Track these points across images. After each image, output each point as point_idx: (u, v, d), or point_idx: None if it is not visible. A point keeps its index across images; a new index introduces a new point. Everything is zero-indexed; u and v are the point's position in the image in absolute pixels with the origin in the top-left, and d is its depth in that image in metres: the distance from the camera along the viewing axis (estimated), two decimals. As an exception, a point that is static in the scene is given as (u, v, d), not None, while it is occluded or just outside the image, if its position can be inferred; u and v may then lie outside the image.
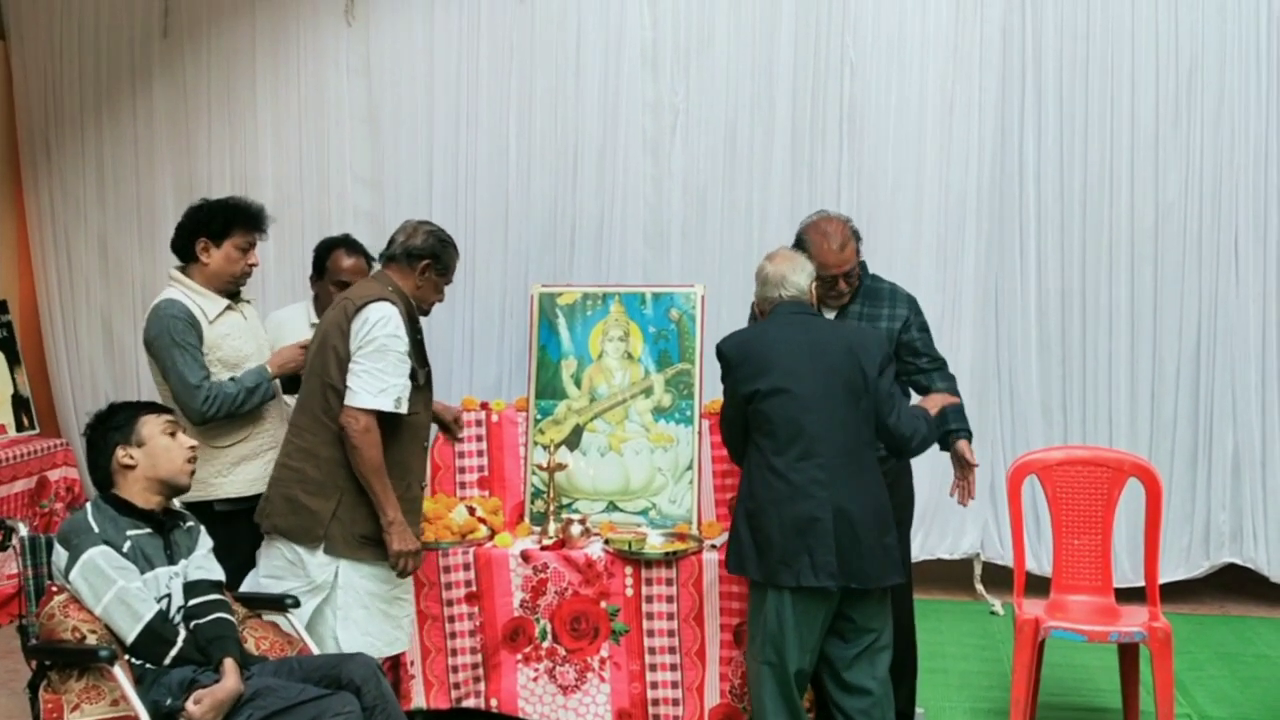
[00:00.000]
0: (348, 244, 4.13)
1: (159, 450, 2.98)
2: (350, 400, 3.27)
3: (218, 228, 3.64)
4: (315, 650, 3.19)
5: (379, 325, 3.30)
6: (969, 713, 4.08)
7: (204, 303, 3.62)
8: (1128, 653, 3.83)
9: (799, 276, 3.40)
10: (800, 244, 3.71)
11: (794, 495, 3.20)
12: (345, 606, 3.36)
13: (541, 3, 5.50)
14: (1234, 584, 5.32)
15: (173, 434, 3.03)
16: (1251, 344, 5.11)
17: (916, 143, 5.30)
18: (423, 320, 3.59)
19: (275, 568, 3.38)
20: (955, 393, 3.72)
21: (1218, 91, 5.10)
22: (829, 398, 3.24)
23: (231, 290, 3.71)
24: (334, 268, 4.06)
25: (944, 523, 5.35)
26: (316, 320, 3.90)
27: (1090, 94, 5.18)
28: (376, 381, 3.28)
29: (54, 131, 6.00)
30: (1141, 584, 3.92)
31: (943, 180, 5.29)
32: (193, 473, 3.05)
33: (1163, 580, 4.97)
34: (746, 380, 3.28)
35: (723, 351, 3.38)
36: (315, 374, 3.40)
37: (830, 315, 3.72)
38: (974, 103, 5.25)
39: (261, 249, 5.64)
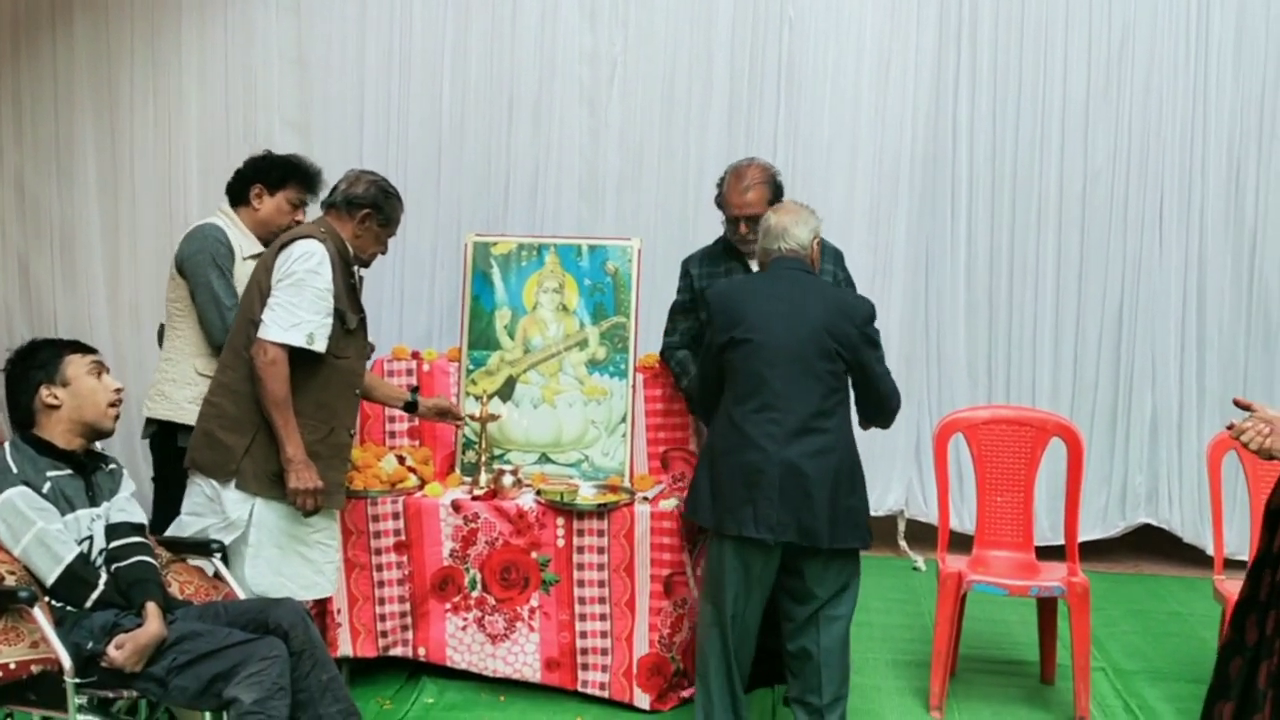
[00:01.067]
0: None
1: (85, 391, 2.89)
2: (261, 332, 3.23)
3: (276, 178, 3.76)
4: (240, 595, 3.14)
5: (300, 260, 3.26)
6: (891, 664, 4.16)
7: (243, 240, 3.74)
8: (1046, 607, 3.92)
9: (800, 230, 3.31)
10: (720, 186, 3.74)
11: (745, 445, 3.16)
12: (258, 544, 3.33)
13: (479, -54, 5.41)
14: (1148, 544, 5.47)
15: (99, 374, 2.94)
16: (1172, 310, 5.24)
17: (853, 101, 5.32)
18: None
19: (195, 504, 3.35)
20: None
21: (1148, 60, 5.19)
22: (799, 356, 3.17)
23: (265, 242, 3.72)
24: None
25: (869, 480, 5.39)
26: None
27: (1024, 58, 5.24)
28: (289, 316, 3.23)
29: (-33, 63, 5.77)
30: (1060, 543, 4.02)
31: (877, 140, 5.33)
32: (117, 416, 2.96)
33: (1080, 539, 5.12)
34: (723, 329, 3.24)
35: (708, 297, 3.35)
36: (242, 310, 3.37)
37: (754, 265, 3.73)
38: (910, 63, 5.29)
39: (183, 193, 5.63)
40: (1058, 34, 5.22)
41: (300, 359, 3.27)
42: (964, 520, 5.11)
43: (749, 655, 3.34)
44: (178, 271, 3.73)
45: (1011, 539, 4.02)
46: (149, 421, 3.79)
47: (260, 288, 3.30)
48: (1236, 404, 2.49)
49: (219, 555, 3.21)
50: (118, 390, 2.97)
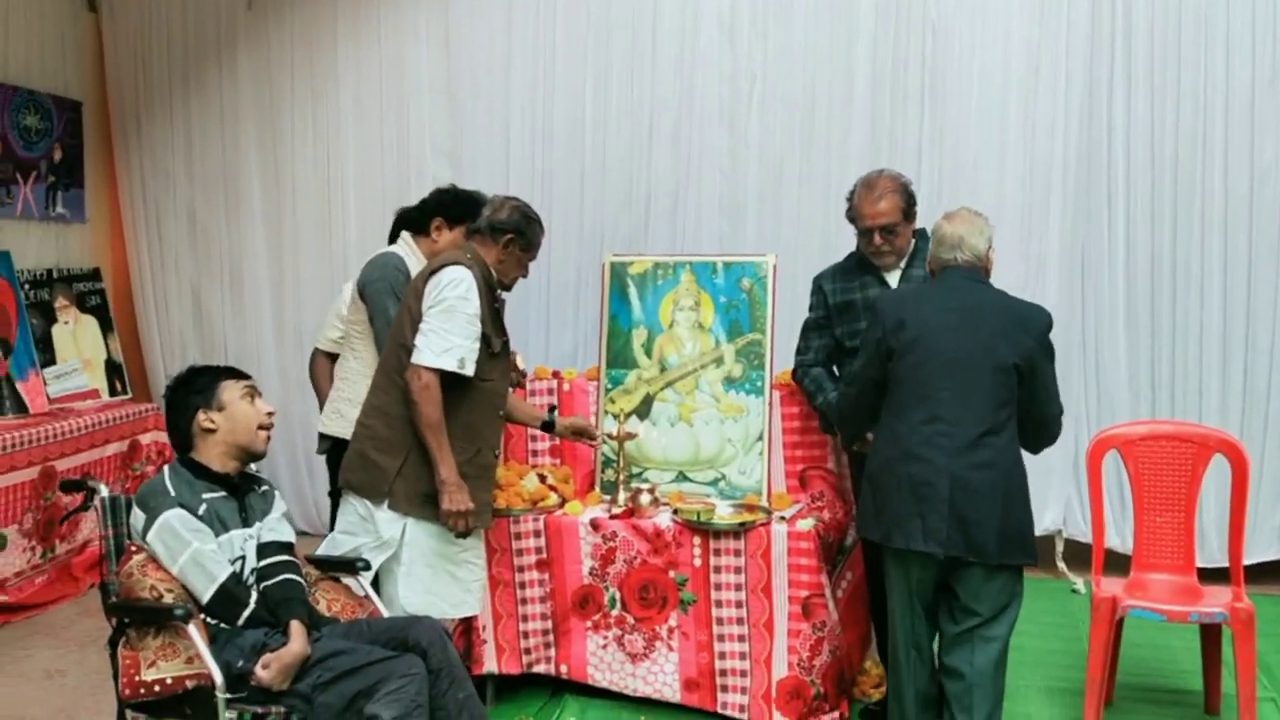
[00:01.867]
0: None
1: (239, 415, 3.04)
2: (415, 358, 3.31)
3: (456, 213, 3.89)
4: (385, 613, 3.24)
5: (449, 286, 3.35)
6: (1045, 691, 4.01)
7: (420, 269, 3.83)
8: (1210, 634, 3.72)
9: (977, 240, 3.22)
10: (850, 199, 3.68)
11: (912, 457, 3.09)
12: (410, 563, 3.42)
13: (619, -29, 5.48)
14: (1327, 564, 5.14)
15: (252, 399, 3.09)
16: (1351, 315, 4.91)
17: (1000, 109, 5.17)
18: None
19: (349, 523, 3.47)
20: None
21: (1318, 52, 4.89)
22: (971, 368, 3.08)
23: None
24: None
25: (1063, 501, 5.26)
26: None
27: (1183, 56, 5.00)
28: (441, 341, 3.31)
29: (144, 104, 6.15)
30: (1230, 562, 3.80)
31: (1027, 148, 5.16)
32: (268, 439, 3.11)
33: (1254, 560, 4.87)
34: (891, 335, 3.16)
35: (877, 305, 3.27)
36: (393, 335, 3.49)
37: (890, 278, 3.66)
38: (1060, 68, 5.10)
39: (342, 220, 5.87)
40: (1219, 25, 4.96)
41: (449, 383, 3.36)
42: (1126, 540, 4.89)
43: (926, 669, 3.27)
44: (359, 296, 3.91)
45: (1172, 561, 3.82)
46: (323, 437, 3.98)
47: (411, 313, 3.41)
48: None
49: (365, 573, 3.32)
50: (270, 414, 3.12)
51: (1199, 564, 3.89)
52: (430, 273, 3.42)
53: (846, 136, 5.33)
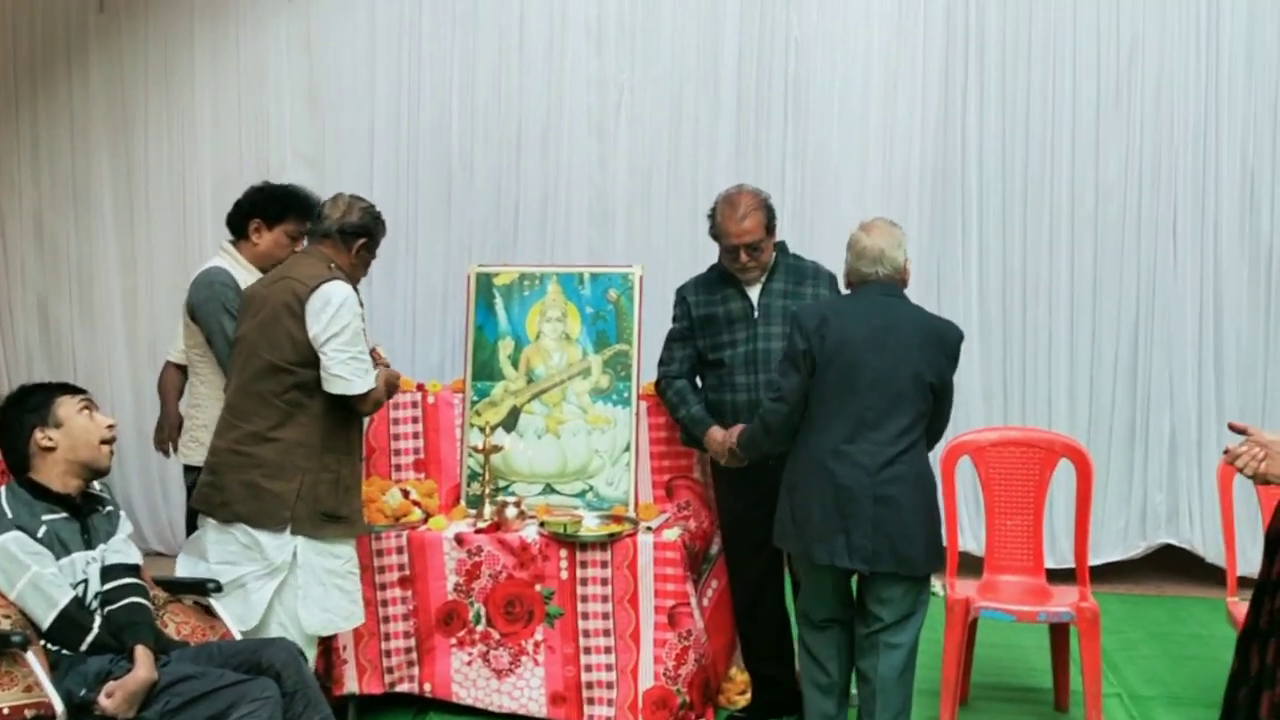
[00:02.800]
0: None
1: (78, 430, 2.92)
2: (347, 389, 3.30)
3: (274, 212, 3.75)
4: (237, 635, 3.15)
5: (345, 309, 3.29)
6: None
7: (246, 277, 3.71)
8: (1059, 632, 3.86)
9: (895, 253, 3.27)
10: (712, 217, 3.72)
11: (835, 472, 3.14)
12: (305, 585, 3.33)
13: (484, -24, 5.45)
14: (1171, 564, 5.38)
15: (90, 413, 2.97)
16: (1189, 326, 5.16)
17: (860, 121, 5.30)
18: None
19: (229, 553, 3.32)
20: None
21: (1157, 73, 5.14)
22: (891, 384, 3.15)
23: (265, 273, 3.72)
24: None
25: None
26: None
27: (1032, 74, 5.20)
28: (361, 364, 3.33)
29: (-14, 107, 5.88)
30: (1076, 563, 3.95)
31: (886, 159, 5.30)
32: (111, 453, 2.99)
33: (1101, 561, 5.07)
34: (815, 349, 3.18)
35: (799, 319, 3.27)
36: (257, 354, 3.33)
37: (754, 293, 3.71)
38: (917, 82, 5.26)
39: (198, 229, 5.69)
40: (1066, 47, 5.17)
41: (334, 397, 3.33)
42: (980, 544, 5.04)
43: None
44: (190, 319, 3.75)
45: (1022, 563, 3.96)
46: (188, 469, 3.77)
47: (291, 336, 3.29)
48: (1231, 428, 2.44)
49: (215, 594, 3.22)
50: (110, 426, 2.99)
51: (1048, 565, 4.05)
52: (309, 291, 3.29)
53: (713, 147, 5.39)
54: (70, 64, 5.78)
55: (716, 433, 3.71)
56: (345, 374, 3.29)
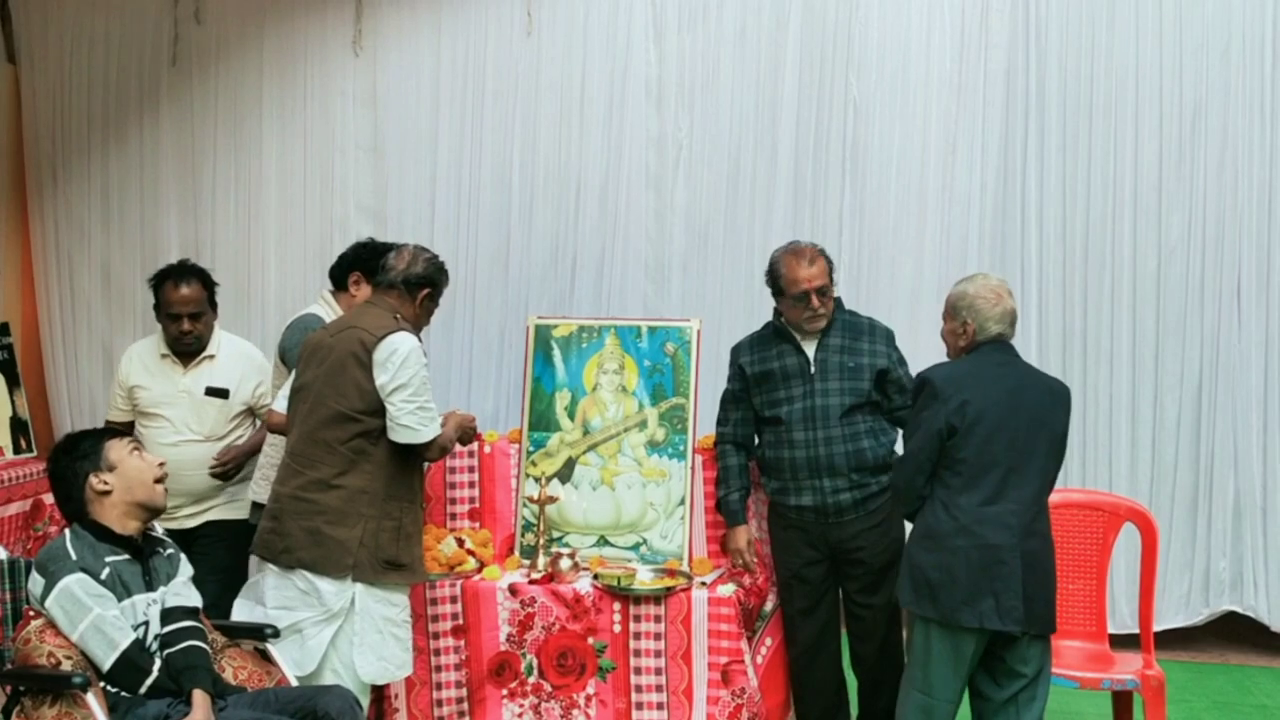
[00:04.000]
0: (178, 273, 4.12)
1: (131, 471, 2.96)
2: (414, 439, 3.36)
3: (375, 266, 3.76)
4: (293, 681, 3.15)
5: (413, 359, 3.36)
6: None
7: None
8: (1122, 700, 3.77)
9: (1015, 312, 3.32)
10: (769, 272, 3.73)
11: (980, 534, 3.13)
12: (361, 632, 3.34)
13: (548, 36, 5.54)
14: (1234, 632, 5.24)
15: (140, 454, 3.02)
16: (1253, 388, 5.07)
17: (918, 182, 5.29)
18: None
19: (287, 598, 3.35)
20: None
21: (1221, 134, 5.09)
22: (1028, 447, 3.18)
23: None
24: (164, 301, 4.08)
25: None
26: (167, 352, 4.14)
27: (1094, 135, 5.17)
28: (427, 413, 3.40)
29: (61, 157, 6.04)
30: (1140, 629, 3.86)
31: (944, 220, 5.28)
32: (165, 491, 3.03)
33: (1162, 627, 4.95)
34: (954, 415, 3.15)
35: (930, 380, 3.25)
36: (323, 402, 3.38)
37: (810, 349, 3.71)
38: (977, 143, 5.25)
39: (263, 274, 5.79)
40: (1128, 111, 5.14)
41: (395, 446, 3.39)
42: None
43: None
44: (280, 361, 3.86)
45: (1084, 628, 3.88)
46: (256, 506, 3.87)
47: (359, 385, 3.34)
48: None
49: (272, 639, 3.23)
50: (161, 465, 3.04)
51: (1110, 630, 3.96)
52: (376, 341, 3.35)
53: (770, 204, 5.41)
54: (142, 116, 5.94)
55: (741, 536, 3.79)
56: (412, 423, 3.35)
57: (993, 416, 3.15)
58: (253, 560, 3.65)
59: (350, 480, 3.36)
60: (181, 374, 4.11)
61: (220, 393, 4.12)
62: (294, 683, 3.16)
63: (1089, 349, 5.18)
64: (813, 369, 3.71)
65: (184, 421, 4.08)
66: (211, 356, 4.16)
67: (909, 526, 3.46)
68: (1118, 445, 5.15)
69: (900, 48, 5.28)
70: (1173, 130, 5.12)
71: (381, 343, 3.35)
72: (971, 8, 5.22)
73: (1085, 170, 5.18)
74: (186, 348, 4.10)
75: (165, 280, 4.07)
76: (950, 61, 5.26)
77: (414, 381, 3.34)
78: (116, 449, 2.99)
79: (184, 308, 4.03)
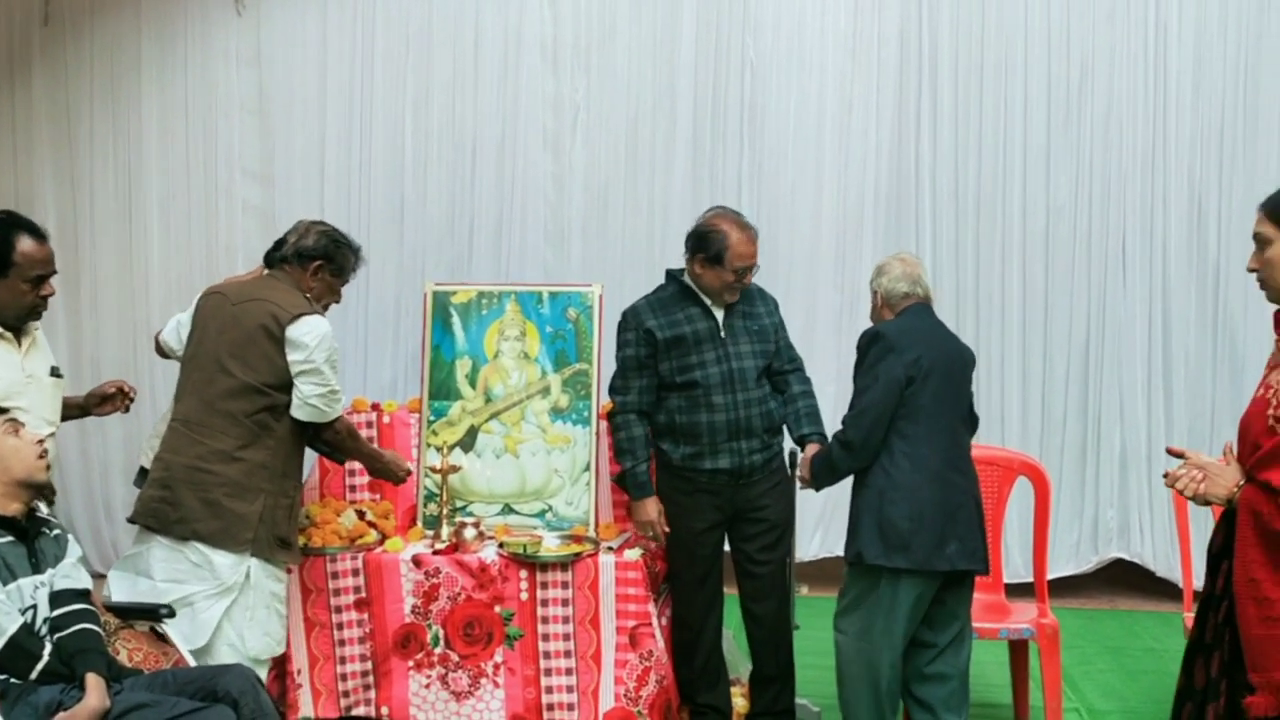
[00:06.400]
0: (32, 227, 3.26)
1: (6, 451, 2.82)
2: (319, 418, 3.40)
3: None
4: (191, 661, 3.07)
5: (326, 342, 3.38)
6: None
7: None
8: (1018, 649, 3.88)
9: (926, 279, 3.53)
10: (704, 237, 3.67)
11: (942, 481, 3.27)
12: (253, 606, 3.32)
13: (440, -8, 5.41)
14: (1122, 578, 5.44)
15: (15, 432, 2.87)
16: (1138, 344, 5.24)
17: (815, 143, 5.33)
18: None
19: (178, 571, 3.27)
20: (812, 395, 3.86)
21: (1106, 95, 5.22)
22: (961, 397, 3.40)
23: None
24: (25, 260, 3.16)
25: (842, 521, 5.29)
26: (2, 331, 3.20)
27: (984, 97, 5.26)
28: (335, 396, 3.44)
29: (-76, 119, 5.73)
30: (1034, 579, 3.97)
31: (841, 180, 5.33)
32: (48, 466, 2.89)
33: (1053, 575, 5.09)
34: (910, 366, 3.27)
35: (883, 334, 3.34)
36: (228, 372, 3.34)
37: (719, 313, 3.71)
38: (871, 104, 5.30)
39: (146, 241, 5.59)
40: (1017, 71, 5.25)
41: (296, 423, 3.40)
42: (937, 560, 5.07)
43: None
44: None
45: (981, 580, 3.95)
46: (142, 472, 3.62)
47: (271, 361, 3.33)
48: (1169, 452, 2.55)
49: (168, 619, 3.14)
50: (40, 441, 2.90)
51: (1006, 580, 4.07)
52: (291, 319, 3.33)
53: (670, 166, 5.39)
54: (14, 77, 5.66)
55: (652, 507, 3.72)
56: (320, 404, 3.38)
57: (941, 368, 3.32)
58: (127, 530, 3.52)
59: (252, 454, 3.34)
60: (19, 355, 3.24)
61: (58, 373, 3.42)
62: (190, 661, 3.08)
63: (981, 307, 5.30)
64: (723, 332, 3.71)
65: (40, 413, 3.24)
66: (31, 333, 3.34)
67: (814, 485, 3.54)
68: (1009, 400, 5.29)
69: (795, 8, 5.30)
70: (1060, 91, 5.23)
71: (296, 321, 3.34)
72: (866, -32, 5.25)
73: (977, 130, 5.28)
74: (38, 317, 3.31)
75: (19, 233, 3.18)
76: (845, 22, 5.30)
77: (325, 366, 3.37)
78: None
79: (49, 267, 3.24)
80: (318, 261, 3.49)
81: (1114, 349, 5.25)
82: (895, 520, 3.24)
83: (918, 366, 3.27)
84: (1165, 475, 2.47)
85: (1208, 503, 2.41)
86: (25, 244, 3.16)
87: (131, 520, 3.42)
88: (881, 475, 3.30)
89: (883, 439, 3.29)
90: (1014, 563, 5.07)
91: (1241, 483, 2.35)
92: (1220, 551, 2.45)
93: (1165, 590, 5.22)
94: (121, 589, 3.32)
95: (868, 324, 5.26)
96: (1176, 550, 4.98)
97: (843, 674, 3.41)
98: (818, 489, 3.67)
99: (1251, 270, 2.47)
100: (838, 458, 3.41)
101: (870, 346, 3.35)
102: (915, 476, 3.26)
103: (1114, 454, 5.27)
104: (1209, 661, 2.45)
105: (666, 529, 3.74)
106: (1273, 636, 2.25)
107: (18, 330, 3.23)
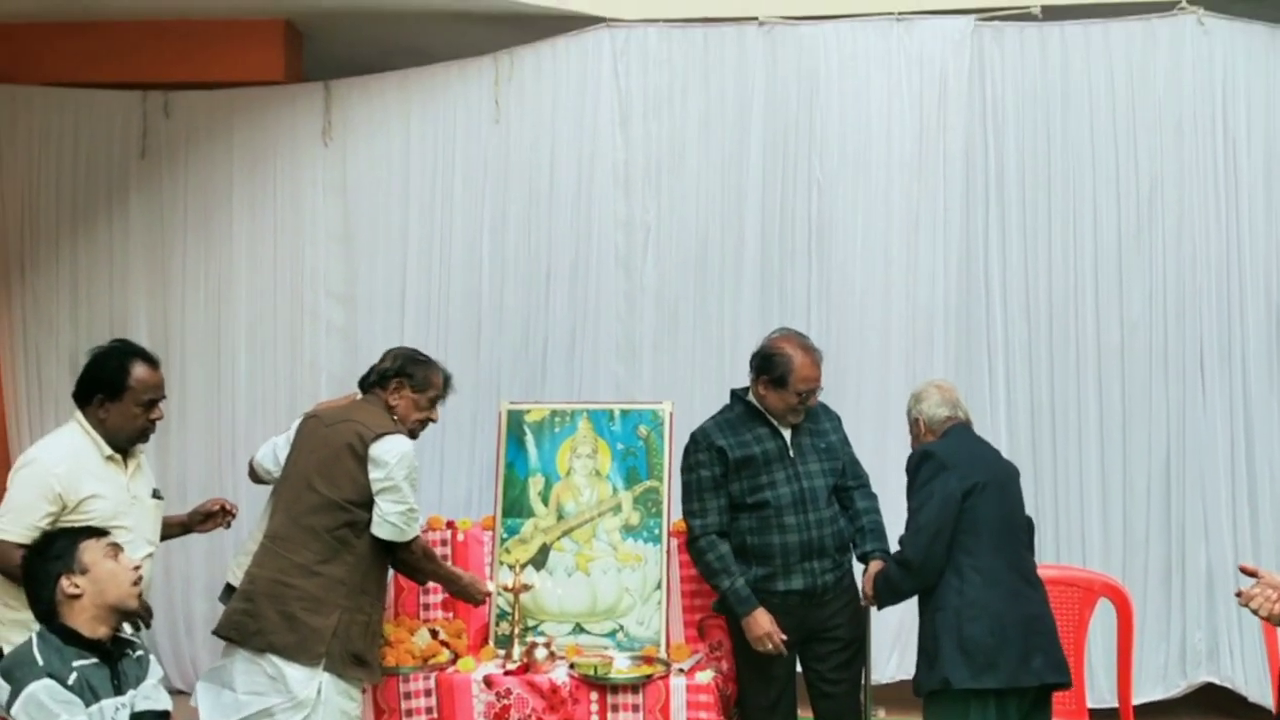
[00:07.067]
0: (145, 354, 3.58)
1: (104, 576, 2.91)
2: (398, 536, 3.53)
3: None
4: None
5: (406, 461, 3.52)
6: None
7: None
8: (1104, 777, 3.76)
9: (965, 404, 3.64)
10: (768, 359, 3.73)
11: (1018, 596, 3.29)
12: None
13: (515, 123, 5.60)
14: (1213, 703, 5.23)
15: (115, 557, 2.97)
16: (1220, 459, 5.12)
17: (883, 260, 5.36)
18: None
19: (257, 684, 3.38)
20: (878, 510, 3.87)
21: (1177, 208, 5.20)
22: (1016, 505, 3.46)
23: None
24: (139, 384, 3.45)
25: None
26: (111, 453, 3.44)
27: (1053, 213, 5.27)
28: (414, 515, 3.57)
29: (29, 248, 6.00)
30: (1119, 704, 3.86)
31: (909, 296, 5.34)
32: (139, 595, 2.99)
33: (1140, 700, 4.93)
34: (965, 478, 3.32)
35: (933, 453, 3.38)
36: (313, 489, 3.48)
37: (786, 432, 3.73)
38: (939, 221, 5.33)
39: (233, 363, 5.77)
40: (1085, 185, 5.25)
41: (376, 541, 3.51)
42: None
43: None
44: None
45: (1064, 705, 3.87)
46: (228, 588, 3.75)
47: (353, 478, 3.47)
48: (1243, 570, 2.52)
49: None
50: (137, 568, 3.00)
51: (1089, 705, 3.95)
52: (374, 438, 3.48)
53: (739, 283, 5.45)
54: (111, 207, 5.94)
55: (764, 620, 3.63)
56: (398, 522, 3.48)
57: (995, 482, 3.34)
58: (213, 642, 3.60)
59: (331, 569, 3.43)
60: (125, 477, 3.46)
61: (159, 495, 3.64)
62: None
63: (1057, 424, 5.23)
64: (791, 452, 3.72)
65: (142, 533, 3.45)
66: (136, 455, 3.58)
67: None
68: (1089, 519, 5.18)
69: (861, 129, 5.38)
70: (1130, 205, 5.23)
71: (379, 440, 3.49)
72: (929, 89, 5.32)
73: (1046, 246, 5.28)
74: (146, 439, 3.56)
75: (134, 359, 3.47)
76: (910, 141, 5.36)
77: (405, 484, 3.48)
78: (91, 551, 2.94)
79: (160, 391, 3.49)
80: (396, 379, 3.65)
81: (1196, 465, 5.13)
82: (978, 638, 3.19)
83: (972, 481, 3.28)
84: (1238, 594, 2.43)
85: None
86: (139, 370, 3.44)
87: (215, 633, 3.52)
88: (954, 595, 3.26)
89: (946, 558, 3.27)
90: (1099, 687, 4.91)
91: None
92: None
93: (1259, 714, 5.00)
94: (206, 701, 3.46)
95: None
96: (1268, 672, 4.81)
97: None
98: (879, 608, 3.63)
99: None
100: (897, 578, 3.39)
101: (921, 465, 3.36)
102: (990, 592, 3.23)
103: (1200, 573, 5.11)
104: None
105: (784, 636, 3.65)
106: None
107: (125, 453, 3.42)
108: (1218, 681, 5.13)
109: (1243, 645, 5.06)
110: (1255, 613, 2.38)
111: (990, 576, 3.25)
